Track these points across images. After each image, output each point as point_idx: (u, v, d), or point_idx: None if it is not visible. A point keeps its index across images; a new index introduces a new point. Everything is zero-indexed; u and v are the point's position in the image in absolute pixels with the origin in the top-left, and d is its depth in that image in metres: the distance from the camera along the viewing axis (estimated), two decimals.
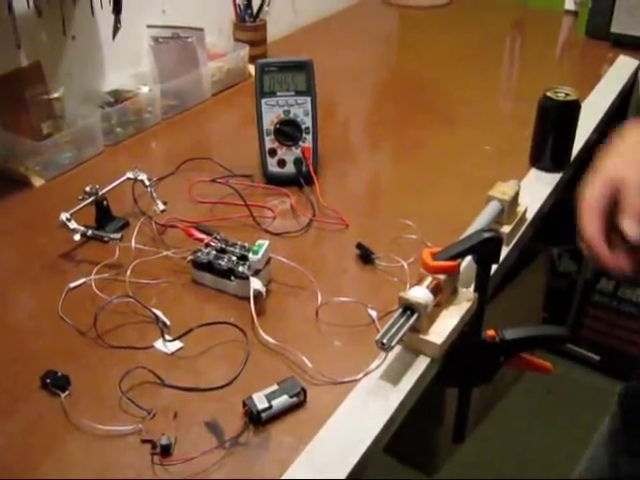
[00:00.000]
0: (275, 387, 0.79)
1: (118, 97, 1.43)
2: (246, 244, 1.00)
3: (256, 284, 0.92)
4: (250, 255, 0.94)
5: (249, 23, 1.74)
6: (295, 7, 2.03)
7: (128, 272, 0.97)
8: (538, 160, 1.28)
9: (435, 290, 0.86)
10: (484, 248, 0.86)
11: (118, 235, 1.03)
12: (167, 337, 0.88)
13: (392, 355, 0.85)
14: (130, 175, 1.13)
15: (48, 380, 0.81)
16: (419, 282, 0.87)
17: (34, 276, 1.01)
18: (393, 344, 0.80)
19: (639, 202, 0.72)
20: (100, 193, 1.09)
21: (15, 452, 0.75)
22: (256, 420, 0.76)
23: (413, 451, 1.86)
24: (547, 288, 2.23)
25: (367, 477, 0.77)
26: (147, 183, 1.12)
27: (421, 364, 0.85)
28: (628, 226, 0.72)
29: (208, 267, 0.97)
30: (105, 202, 1.10)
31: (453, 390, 0.97)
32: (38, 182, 1.25)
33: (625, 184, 0.74)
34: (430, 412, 1.70)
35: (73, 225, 1.04)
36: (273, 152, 1.22)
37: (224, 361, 0.85)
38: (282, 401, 0.77)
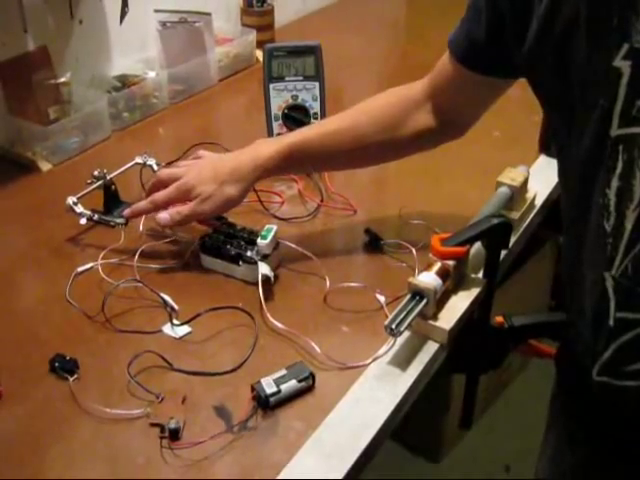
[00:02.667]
0: (284, 372, 0.78)
1: (125, 82, 1.42)
2: (254, 229, 0.99)
3: (264, 269, 0.92)
4: (258, 240, 0.94)
5: (257, 8, 1.73)
6: None
7: (136, 257, 0.97)
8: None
9: (444, 276, 0.85)
10: (494, 234, 0.86)
11: (123, 219, 1.02)
12: (175, 321, 0.88)
13: (401, 340, 0.85)
14: (139, 160, 1.12)
15: (56, 364, 0.81)
16: (428, 268, 0.86)
17: (41, 260, 1.01)
18: (402, 329, 0.80)
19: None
20: (108, 177, 1.08)
21: (24, 436, 0.75)
22: (264, 404, 0.76)
23: (418, 438, 1.86)
24: (554, 276, 2.22)
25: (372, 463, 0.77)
26: (155, 168, 1.11)
27: (430, 350, 0.85)
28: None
29: (216, 252, 0.96)
30: (113, 186, 1.10)
31: (459, 377, 0.97)
32: (45, 167, 1.25)
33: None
34: (436, 399, 1.70)
35: (79, 209, 1.04)
36: None
37: (232, 346, 0.85)
38: (291, 386, 0.77)
